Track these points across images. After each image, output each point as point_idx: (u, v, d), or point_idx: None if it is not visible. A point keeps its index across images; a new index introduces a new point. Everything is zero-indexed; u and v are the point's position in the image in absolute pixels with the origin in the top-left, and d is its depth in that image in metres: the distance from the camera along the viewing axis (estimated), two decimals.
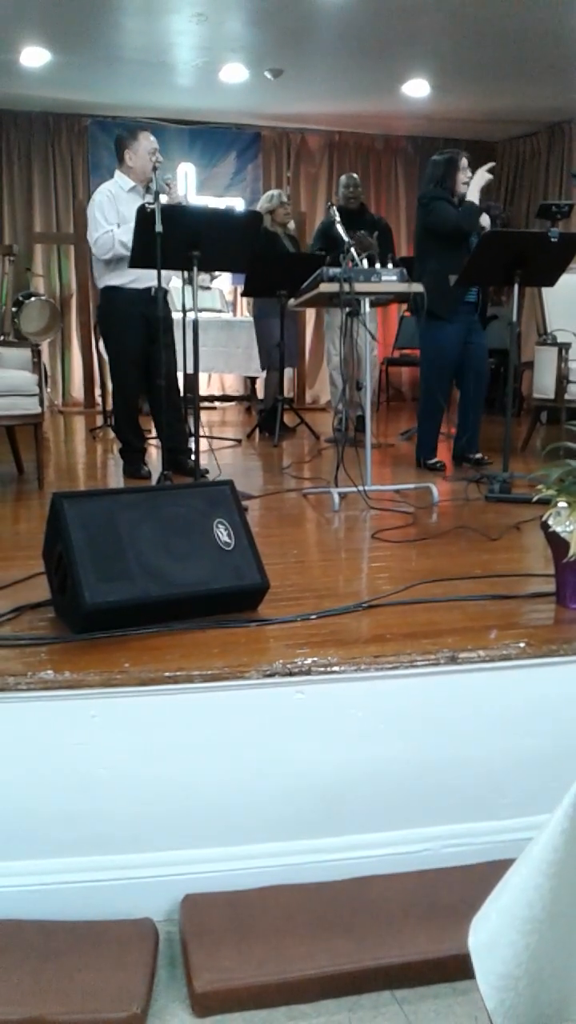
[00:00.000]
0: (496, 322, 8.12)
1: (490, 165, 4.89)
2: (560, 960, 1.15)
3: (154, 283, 4.29)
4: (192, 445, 4.24)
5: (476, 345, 5.03)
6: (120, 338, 4.64)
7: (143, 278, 4.37)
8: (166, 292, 4.64)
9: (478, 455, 5.08)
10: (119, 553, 2.22)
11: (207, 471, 4.48)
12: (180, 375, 4.96)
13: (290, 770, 2.05)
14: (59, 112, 8.26)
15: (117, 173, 4.63)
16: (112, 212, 4.48)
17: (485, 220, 4.89)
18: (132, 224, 4.16)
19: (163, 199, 4.28)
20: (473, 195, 4.78)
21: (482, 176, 4.81)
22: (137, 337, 4.53)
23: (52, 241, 8.50)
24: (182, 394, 4.89)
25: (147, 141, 4.54)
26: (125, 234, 4.36)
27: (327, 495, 3.97)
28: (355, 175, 6.88)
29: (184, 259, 3.92)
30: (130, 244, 4.29)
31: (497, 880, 1.20)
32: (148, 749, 1.99)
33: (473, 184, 4.81)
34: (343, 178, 6.84)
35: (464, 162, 4.91)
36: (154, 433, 5.26)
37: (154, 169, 4.19)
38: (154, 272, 4.01)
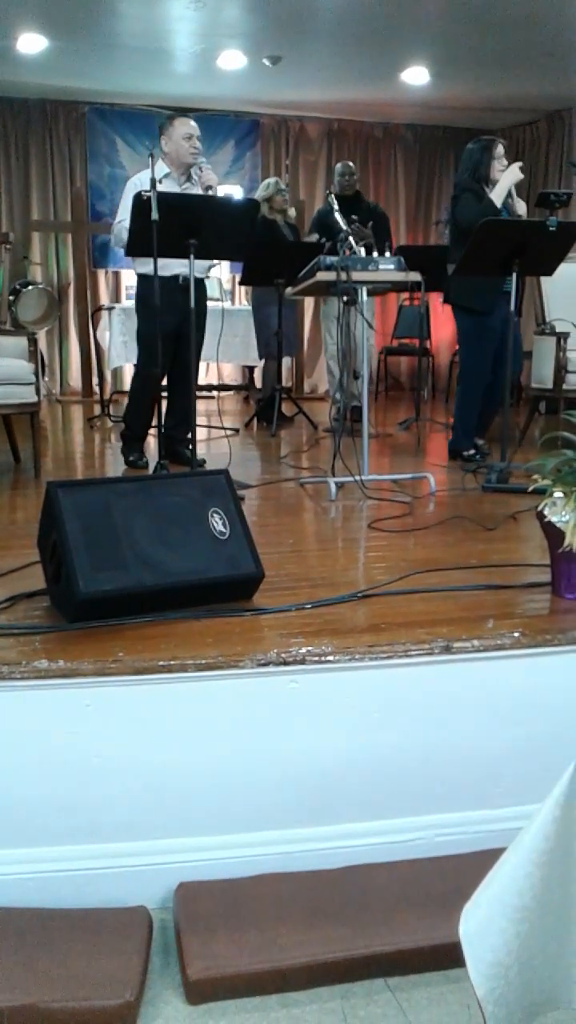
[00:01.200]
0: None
1: (518, 164, 4.80)
2: (550, 948, 1.16)
3: (183, 271, 4.25)
4: (191, 435, 4.23)
5: (507, 338, 4.78)
6: (148, 325, 4.60)
7: (170, 266, 4.33)
8: (202, 280, 4.61)
9: (479, 442, 5.01)
10: (114, 542, 2.22)
11: (204, 461, 4.47)
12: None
13: (284, 759, 2.05)
14: (56, 99, 8.23)
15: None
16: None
17: (522, 208, 4.77)
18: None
19: (197, 185, 4.30)
20: (498, 195, 4.68)
21: (513, 174, 4.72)
22: (164, 325, 4.46)
23: (50, 229, 8.47)
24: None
25: (183, 127, 4.48)
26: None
27: (324, 484, 3.97)
28: (351, 163, 6.86)
29: (182, 247, 3.90)
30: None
31: (489, 869, 1.20)
32: (142, 738, 2.00)
33: (501, 183, 4.70)
34: (339, 166, 6.82)
35: (500, 149, 4.83)
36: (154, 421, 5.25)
37: (151, 156, 4.14)
38: (183, 260, 3.98)
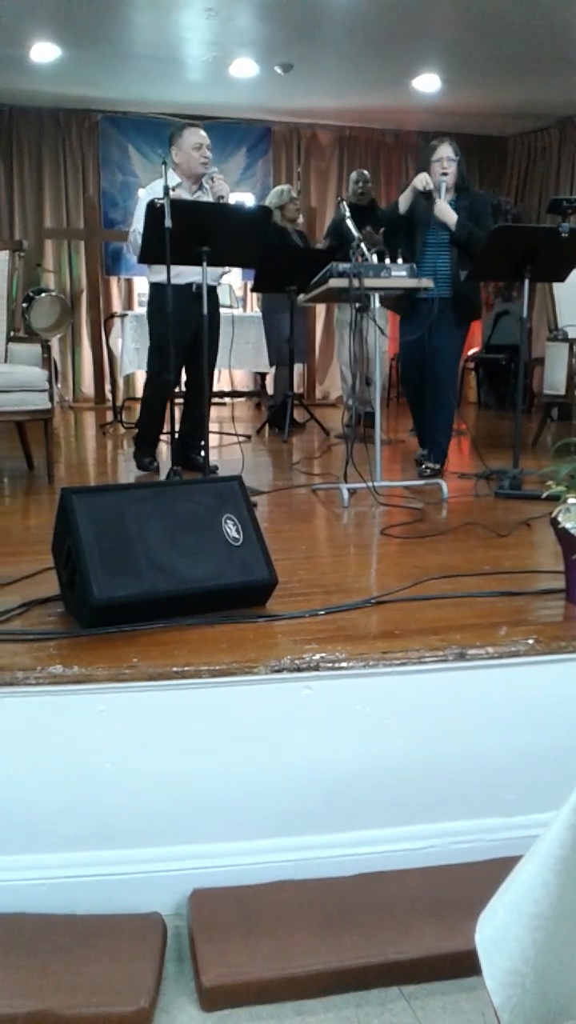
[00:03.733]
0: (506, 318, 8.13)
1: (422, 174, 4.60)
2: (567, 957, 1.15)
3: (195, 279, 4.27)
4: (207, 440, 4.25)
5: (433, 348, 4.59)
6: (161, 332, 4.60)
7: (185, 274, 4.35)
8: (213, 288, 4.63)
9: (428, 465, 4.69)
10: (128, 548, 2.22)
11: (217, 467, 4.48)
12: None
13: (298, 765, 2.05)
14: (69, 108, 8.27)
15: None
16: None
17: (440, 211, 4.53)
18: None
19: (208, 194, 4.33)
20: (404, 200, 4.64)
21: (418, 180, 4.59)
22: (178, 332, 4.47)
23: (62, 237, 8.51)
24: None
25: (193, 136, 4.49)
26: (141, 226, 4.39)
27: (336, 491, 3.97)
28: (365, 171, 6.89)
29: (194, 254, 3.91)
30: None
31: (504, 877, 1.20)
32: (156, 744, 2.00)
33: (407, 190, 4.65)
34: (353, 174, 6.84)
35: (439, 151, 4.57)
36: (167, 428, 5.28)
37: (163, 163, 4.16)
38: (196, 269, 4.00)
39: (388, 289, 4.11)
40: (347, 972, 1.77)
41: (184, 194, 4.45)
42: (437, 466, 4.70)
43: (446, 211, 4.50)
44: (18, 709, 1.95)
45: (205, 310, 4.05)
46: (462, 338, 4.80)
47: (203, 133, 4.53)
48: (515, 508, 3.74)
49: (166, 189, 3.89)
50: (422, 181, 4.55)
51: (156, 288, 4.64)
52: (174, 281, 4.41)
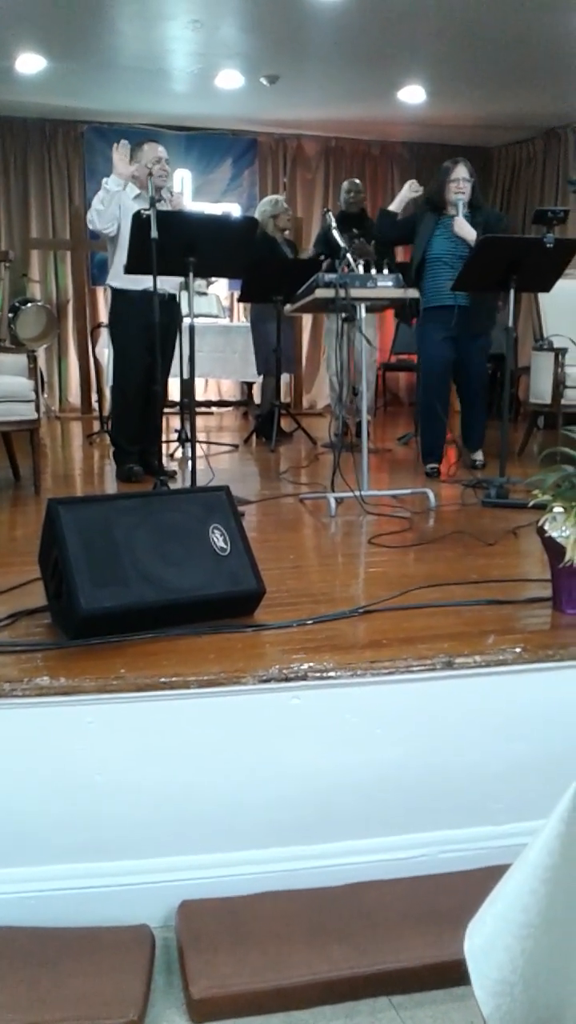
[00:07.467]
0: (493, 327, 8.15)
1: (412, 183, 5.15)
2: (556, 965, 1.15)
3: (157, 286, 4.31)
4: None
5: (465, 351, 5.01)
6: (124, 341, 4.70)
7: (144, 281, 4.38)
8: (173, 296, 4.68)
9: (475, 457, 5.12)
10: (115, 559, 2.22)
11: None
12: (175, 380, 5.04)
13: (286, 775, 2.05)
14: (55, 119, 8.28)
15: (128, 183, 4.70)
16: (115, 202, 4.59)
17: (471, 232, 4.78)
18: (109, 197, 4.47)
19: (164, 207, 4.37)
20: (396, 202, 5.13)
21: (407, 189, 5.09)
22: (140, 341, 4.55)
23: (48, 247, 8.51)
24: (178, 399, 4.98)
25: (153, 151, 4.62)
26: (99, 202, 4.58)
27: (324, 500, 3.97)
28: (357, 180, 6.93)
29: (180, 265, 3.93)
30: (96, 206, 4.54)
31: (493, 885, 1.19)
32: (144, 755, 1.99)
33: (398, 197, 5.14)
34: (345, 184, 6.88)
35: (454, 172, 4.87)
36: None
37: (149, 175, 4.21)
38: (159, 276, 4.04)
39: (373, 299, 4.12)
40: (336, 983, 1.77)
41: (143, 205, 4.50)
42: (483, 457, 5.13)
43: (465, 227, 4.78)
44: (5, 721, 1.94)
45: (192, 320, 4.07)
46: (487, 344, 5.18)
47: (162, 148, 4.69)
48: (502, 517, 3.76)
49: (152, 200, 3.91)
50: (412, 188, 5.01)
51: (115, 294, 4.77)
52: (135, 287, 4.48)
